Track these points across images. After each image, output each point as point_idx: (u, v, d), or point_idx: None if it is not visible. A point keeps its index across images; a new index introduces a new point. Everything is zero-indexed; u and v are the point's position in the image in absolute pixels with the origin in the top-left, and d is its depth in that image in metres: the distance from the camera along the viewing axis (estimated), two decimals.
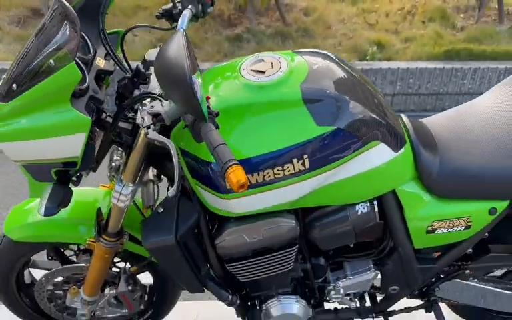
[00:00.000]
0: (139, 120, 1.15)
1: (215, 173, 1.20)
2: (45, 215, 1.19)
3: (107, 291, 1.62)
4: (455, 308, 1.89)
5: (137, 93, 1.24)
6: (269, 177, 1.18)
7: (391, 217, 1.38)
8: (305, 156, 1.17)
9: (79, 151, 1.15)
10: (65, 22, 1.12)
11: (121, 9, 4.62)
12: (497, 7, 4.46)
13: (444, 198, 1.37)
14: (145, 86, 1.26)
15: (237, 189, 0.90)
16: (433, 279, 1.57)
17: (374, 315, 1.63)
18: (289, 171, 1.18)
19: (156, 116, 1.08)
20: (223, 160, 0.92)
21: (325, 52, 1.35)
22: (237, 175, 0.90)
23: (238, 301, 1.47)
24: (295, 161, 1.17)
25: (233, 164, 0.91)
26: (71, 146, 1.15)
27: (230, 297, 1.45)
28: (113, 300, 1.65)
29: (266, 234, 1.29)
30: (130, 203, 1.32)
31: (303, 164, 1.18)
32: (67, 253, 1.69)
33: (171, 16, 1.41)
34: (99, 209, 1.43)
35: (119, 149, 1.41)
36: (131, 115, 1.27)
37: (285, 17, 4.40)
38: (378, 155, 1.26)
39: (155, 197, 1.46)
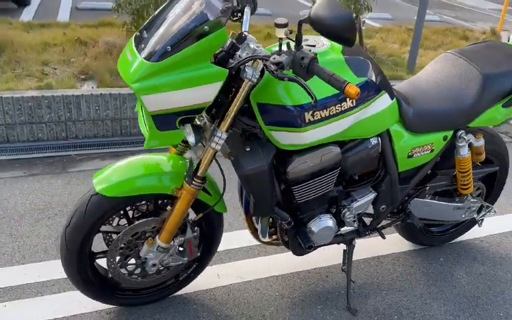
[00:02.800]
0: (248, 75, 1.60)
1: (293, 113, 1.70)
2: (195, 144, 1.56)
3: (175, 240, 1.94)
4: (405, 233, 2.61)
5: (231, 60, 1.68)
6: (332, 111, 1.73)
7: (386, 148, 2.02)
8: None
9: (213, 96, 1.56)
10: None
11: (31, 46, 4.67)
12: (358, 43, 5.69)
13: (417, 132, 2.07)
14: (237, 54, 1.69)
15: (356, 97, 1.43)
16: (406, 198, 2.26)
17: (369, 231, 2.25)
18: (344, 107, 1.75)
19: (278, 64, 1.56)
20: (341, 81, 1.45)
21: None
22: (353, 88, 1.43)
23: (293, 222, 1.95)
24: (347, 99, 1.75)
25: (348, 83, 1.45)
26: (207, 93, 1.55)
27: (289, 218, 1.92)
28: (179, 248, 1.96)
29: (323, 159, 1.83)
30: (221, 147, 1.73)
31: (352, 102, 1.76)
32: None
33: (233, 12, 1.89)
34: (190, 160, 1.80)
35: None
36: None
37: None
38: (384, 101, 1.91)
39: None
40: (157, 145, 1.67)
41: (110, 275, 1.99)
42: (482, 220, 2.50)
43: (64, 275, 2.28)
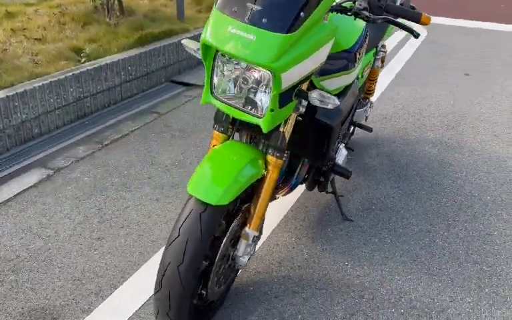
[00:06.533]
0: None
1: (346, 56, 1.84)
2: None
3: None
4: None
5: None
6: (365, 47, 1.96)
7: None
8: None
9: (325, 57, 1.55)
10: None
11: None
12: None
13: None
14: None
15: (429, 23, 1.71)
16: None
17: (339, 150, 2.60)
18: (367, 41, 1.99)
19: (365, 9, 1.65)
20: (417, 13, 1.69)
21: None
22: (426, 17, 1.70)
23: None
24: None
25: (422, 13, 1.70)
26: (323, 55, 1.53)
27: (335, 157, 2.08)
28: None
29: (355, 93, 2.04)
30: None
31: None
32: None
33: None
34: (278, 132, 1.68)
35: None
36: None
37: None
38: None
39: None
40: (273, 126, 1.54)
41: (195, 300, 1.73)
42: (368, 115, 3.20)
43: None
